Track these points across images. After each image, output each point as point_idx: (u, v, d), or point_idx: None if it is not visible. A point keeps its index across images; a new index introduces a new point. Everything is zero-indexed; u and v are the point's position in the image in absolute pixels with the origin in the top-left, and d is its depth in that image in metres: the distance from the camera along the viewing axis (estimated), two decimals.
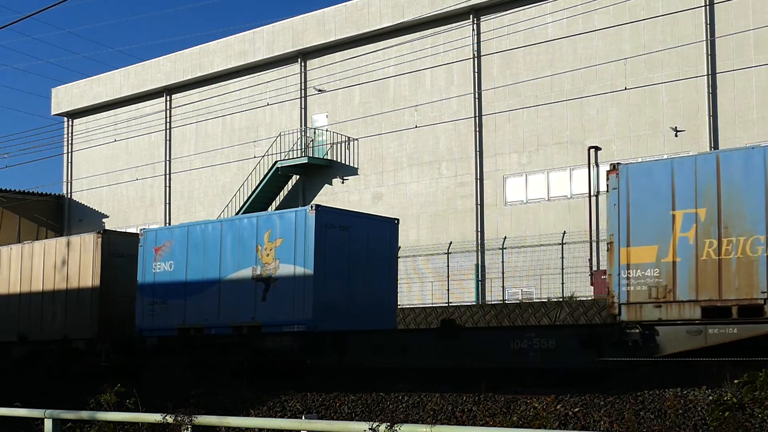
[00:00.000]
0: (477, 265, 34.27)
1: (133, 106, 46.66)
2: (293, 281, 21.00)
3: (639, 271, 16.98)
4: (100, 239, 25.42)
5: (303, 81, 40.09)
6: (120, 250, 25.57)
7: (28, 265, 27.54)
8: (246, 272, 21.91)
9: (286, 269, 21.19)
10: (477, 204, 34.86)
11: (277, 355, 21.44)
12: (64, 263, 26.29)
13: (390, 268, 23.10)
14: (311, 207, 21.14)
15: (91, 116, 48.67)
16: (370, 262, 22.26)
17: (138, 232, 24.72)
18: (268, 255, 21.54)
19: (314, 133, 39.65)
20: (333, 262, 21.25)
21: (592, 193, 32.18)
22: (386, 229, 23.16)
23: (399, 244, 24.33)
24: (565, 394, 15.20)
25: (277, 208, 38.83)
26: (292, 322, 20.99)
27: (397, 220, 23.94)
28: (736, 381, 12.70)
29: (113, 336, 24.96)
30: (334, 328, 20.84)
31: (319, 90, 39.36)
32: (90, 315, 25.30)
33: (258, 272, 21.68)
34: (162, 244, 23.83)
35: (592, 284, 30.98)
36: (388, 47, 36.66)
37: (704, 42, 30.08)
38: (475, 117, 34.98)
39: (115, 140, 45.97)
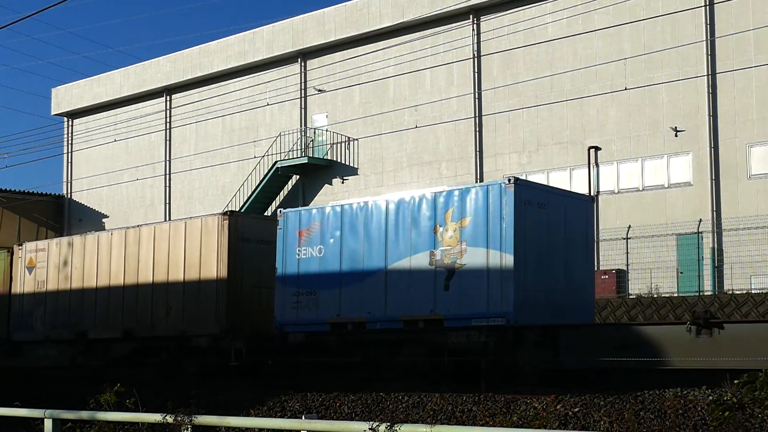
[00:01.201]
0: None
1: (133, 106, 46.67)
2: (486, 267, 18.16)
3: None
4: (226, 222, 22.13)
5: (303, 81, 40.10)
6: (248, 235, 22.46)
7: (134, 252, 24.20)
8: (421, 258, 18.96)
9: (475, 254, 18.25)
10: None
11: (462, 354, 18.45)
12: (181, 250, 23.09)
13: (587, 252, 20.20)
14: (508, 180, 18.22)
15: (91, 116, 48.69)
16: (568, 246, 19.41)
17: (278, 213, 21.65)
18: (451, 237, 18.62)
19: (314, 133, 39.66)
20: (532, 245, 18.36)
21: (592, 193, 32.18)
22: (582, 207, 20.31)
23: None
24: (565, 394, 15.19)
25: (277, 208, 38.79)
26: (485, 315, 18.05)
27: (593, 198, 20.94)
28: (736, 381, 12.68)
29: (244, 332, 21.88)
30: (532, 322, 18.03)
31: (319, 90, 39.36)
32: (215, 308, 22.13)
33: (438, 257, 18.71)
34: (308, 227, 20.72)
35: None
36: (388, 47, 36.66)
37: (704, 42, 30.07)
38: (475, 117, 34.99)
39: (115, 140, 45.97)
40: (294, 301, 20.68)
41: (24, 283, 27.05)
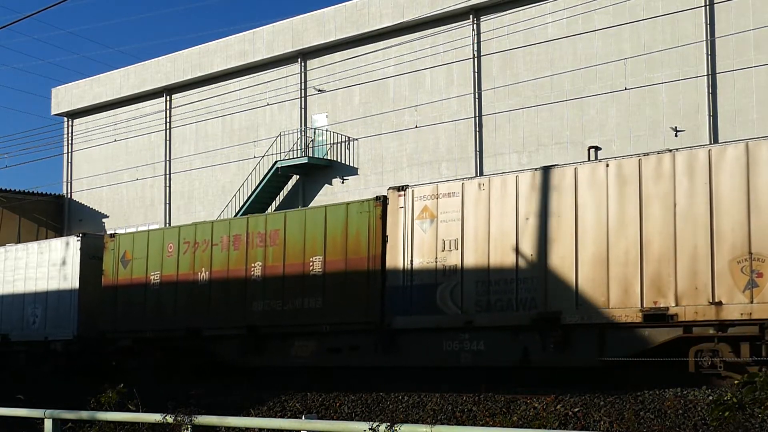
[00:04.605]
0: None
1: (133, 106, 46.67)
2: None
3: None
4: None
5: (303, 81, 40.09)
6: None
7: (664, 190, 16.66)
8: None
9: None
10: None
11: None
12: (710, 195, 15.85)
13: None
14: None
15: (91, 116, 48.68)
16: None
17: None
18: None
19: (314, 133, 39.66)
20: None
21: None
22: None
23: None
24: (565, 394, 15.21)
25: (277, 209, 38.84)
26: None
27: None
28: (736, 381, 12.70)
29: None
30: None
31: (319, 90, 39.36)
32: None
33: None
34: None
35: None
36: (388, 47, 36.66)
37: (704, 42, 30.08)
38: (475, 117, 34.99)
39: (115, 140, 45.97)
40: None
41: (413, 244, 19.35)
